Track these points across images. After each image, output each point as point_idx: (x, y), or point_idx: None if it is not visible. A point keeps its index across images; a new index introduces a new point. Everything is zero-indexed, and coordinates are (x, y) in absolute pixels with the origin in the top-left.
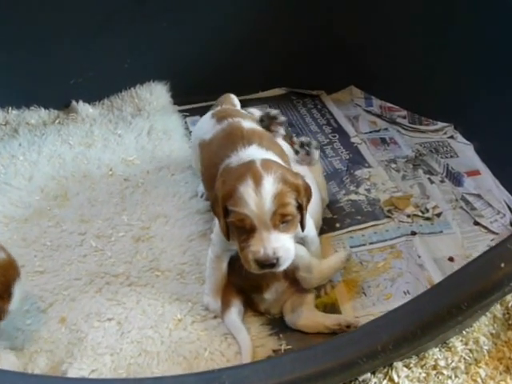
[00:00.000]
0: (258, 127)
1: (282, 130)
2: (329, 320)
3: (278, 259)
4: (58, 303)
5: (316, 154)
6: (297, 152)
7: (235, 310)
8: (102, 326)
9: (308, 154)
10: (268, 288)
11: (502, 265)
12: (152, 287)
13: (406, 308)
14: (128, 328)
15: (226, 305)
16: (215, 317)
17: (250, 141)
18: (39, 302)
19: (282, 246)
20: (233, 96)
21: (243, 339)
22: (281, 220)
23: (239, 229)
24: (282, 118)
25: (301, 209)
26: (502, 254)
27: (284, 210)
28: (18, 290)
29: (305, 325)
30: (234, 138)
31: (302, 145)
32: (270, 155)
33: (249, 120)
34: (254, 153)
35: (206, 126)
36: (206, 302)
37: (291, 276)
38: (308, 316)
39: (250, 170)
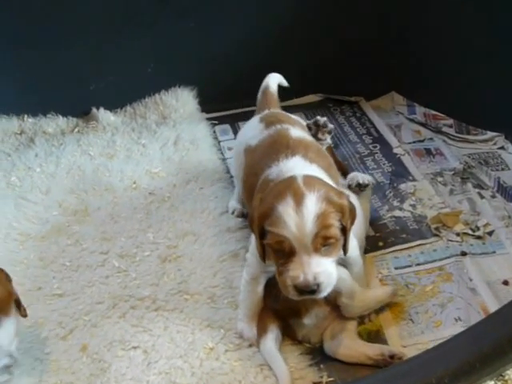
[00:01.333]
0: (308, 136)
1: (328, 139)
2: (371, 350)
3: (318, 285)
4: (78, 329)
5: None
6: None
7: (272, 337)
8: (126, 355)
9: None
10: (307, 313)
11: None
12: (181, 312)
13: (462, 338)
14: (155, 357)
15: (261, 331)
16: (250, 345)
17: (295, 151)
18: (58, 328)
19: (324, 271)
20: (278, 76)
21: (281, 370)
22: (323, 243)
23: (277, 251)
24: (331, 126)
25: (344, 231)
26: None
27: (327, 233)
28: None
29: (345, 354)
30: (278, 147)
31: None
32: (314, 169)
33: (299, 127)
34: (297, 165)
35: (253, 130)
36: (239, 328)
37: (333, 301)
38: (349, 344)
39: (290, 186)
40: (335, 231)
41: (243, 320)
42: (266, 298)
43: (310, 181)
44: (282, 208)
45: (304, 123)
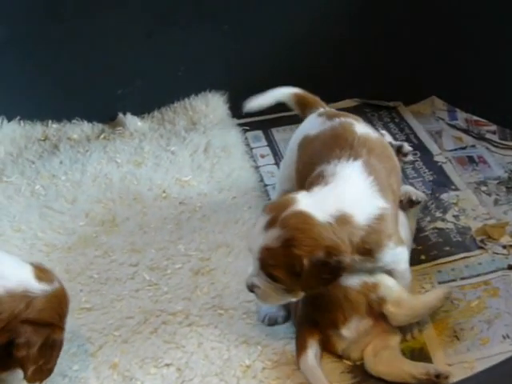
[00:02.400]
0: (372, 133)
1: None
2: (415, 368)
3: (255, 292)
4: (108, 345)
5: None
6: None
7: (312, 353)
8: (159, 372)
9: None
10: (346, 321)
11: None
12: (215, 328)
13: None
14: (189, 375)
15: (301, 348)
16: (287, 363)
17: (358, 155)
18: (87, 343)
19: (262, 290)
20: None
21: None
22: (263, 270)
23: None
24: (410, 158)
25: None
26: None
27: (267, 267)
28: None
29: (388, 372)
30: (342, 142)
31: None
32: (366, 184)
33: (362, 122)
34: (352, 174)
35: (312, 123)
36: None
37: (377, 310)
38: (391, 361)
39: (277, 208)
40: (276, 272)
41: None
42: (305, 308)
43: (293, 219)
44: (259, 217)
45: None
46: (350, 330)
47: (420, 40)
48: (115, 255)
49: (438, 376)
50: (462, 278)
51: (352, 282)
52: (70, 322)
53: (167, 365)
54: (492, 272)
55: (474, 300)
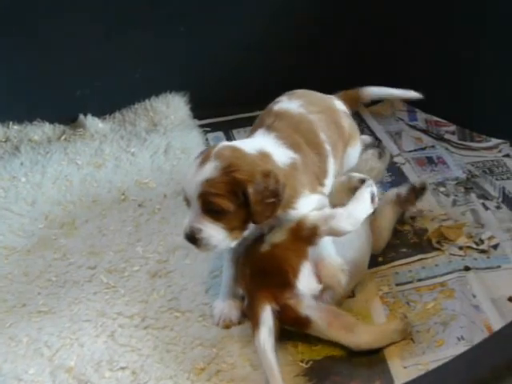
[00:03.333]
0: (294, 108)
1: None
2: (391, 323)
3: (197, 240)
4: (64, 349)
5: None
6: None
7: (265, 331)
8: (114, 376)
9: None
10: (297, 272)
11: None
12: (171, 330)
13: (458, 362)
14: (144, 379)
15: (254, 325)
16: (244, 366)
17: (267, 123)
18: (44, 347)
19: (204, 230)
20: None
21: (271, 369)
22: (207, 207)
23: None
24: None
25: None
26: None
27: (210, 198)
28: None
29: (372, 340)
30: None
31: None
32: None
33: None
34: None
35: None
36: (213, 305)
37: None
38: (371, 330)
39: (210, 149)
40: (220, 201)
41: (219, 297)
42: (253, 280)
43: (225, 150)
44: (191, 163)
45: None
46: (303, 281)
47: (378, 41)
48: (74, 258)
49: (406, 316)
50: (419, 280)
51: (280, 235)
52: (27, 326)
53: (122, 368)
54: (448, 273)
55: (430, 302)
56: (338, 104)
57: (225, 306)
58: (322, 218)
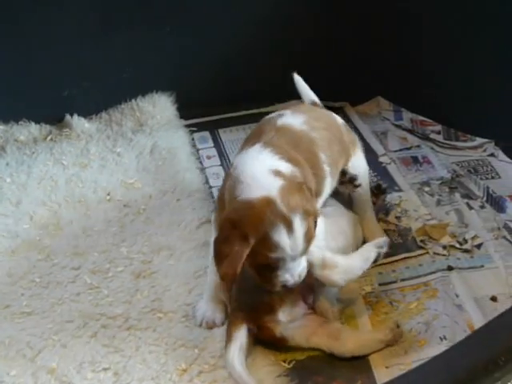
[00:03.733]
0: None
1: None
2: (379, 333)
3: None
4: (47, 350)
5: None
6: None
7: (234, 348)
8: (96, 377)
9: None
10: (283, 304)
11: None
12: (153, 331)
13: (437, 363)
14: (126, 379)
15: (227, 341)
16: (223, 367)
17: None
18: (26, 348)
19: (304, 265)
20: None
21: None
22: (307, 248)
23: (263, 266)
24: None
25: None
26: None
27: (311, 239)
28: None
29: (356, 348)
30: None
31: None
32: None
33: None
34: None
35: None
36: (196, 307)
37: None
38: (356, 338)
39: (273, 212)
40: (314, 233)
41: (203, 299)
42: (239, 298)
43: (289, 199)
44: (277, 236)
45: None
46: (285, 314)
47: (365, 41)
48: (58, 259)
49: (398, 326)
50: (403, 280)
51: None
52: (10, 327)
53: (105, 369)
54: (432, 273)
55: (413, 301)
56: (338, 118)
57: (208, 309)
58: (320, 261)
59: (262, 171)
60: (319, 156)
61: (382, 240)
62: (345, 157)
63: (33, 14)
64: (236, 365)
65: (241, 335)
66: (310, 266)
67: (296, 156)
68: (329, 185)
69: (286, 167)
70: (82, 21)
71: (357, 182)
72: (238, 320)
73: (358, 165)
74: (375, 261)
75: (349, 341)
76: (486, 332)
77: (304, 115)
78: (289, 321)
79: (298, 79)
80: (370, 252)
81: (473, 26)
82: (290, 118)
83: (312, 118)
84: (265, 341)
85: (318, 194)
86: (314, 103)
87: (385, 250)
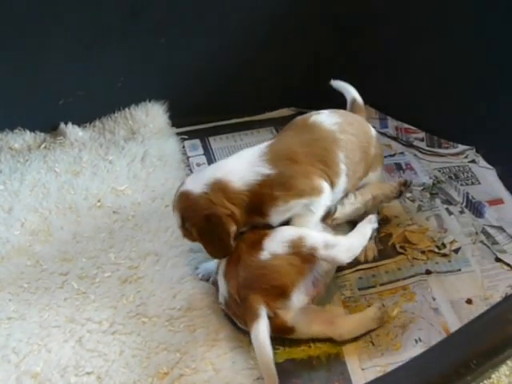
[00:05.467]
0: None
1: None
2: (370, 312)
3: None
4: (32, 355)
5: None
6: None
7: (264, 325)
8: (79, 381)
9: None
10: (294, 288)
11: None
12: (138, 335)
13: (410, 366)
14: (109, 383)
15: (253, 316)
16: (206, 370)
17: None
18: (12, 353)
19: None
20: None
21: (268, 368)
22: None
23: None
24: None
25: None
26: None
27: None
28: None
29: (354, 329)
30: None
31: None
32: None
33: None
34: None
35: None
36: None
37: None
38: (350, 320)
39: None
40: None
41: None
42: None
43: (179, 201)
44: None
45: None
46: (297, 296)
47: (351, 50)
48: (46, 264)
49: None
50: (382, 284)
51: (281, 245)
52: None
53: (88, 373)
54: (410, 277)
55: (391, 306)
56: (373, 131)
57: (212, 264)
58: (322, 242)
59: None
60: (338, 154)
61: (373, 216)
62: (365, 166)
63: (29, 25)
64: (266, 341)
65: (264, 313)
66: (314, 249)
67: (292, 155)
68: (343, 183)
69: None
70: (76, 32)
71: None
72: (256, 300)
73: (372, 180)
74: (370, 237)
75: (344, 324)
76: (458, 336)
77: (340, 118)
78: (300, 307)
79: (337, 84)
80: (365, 228)
81: (453, 38)
82: (325, 117)
83: (346, 122)
84: (273, 331)
85: (332, 185)
86: (354, 100)
87: (376, 225)
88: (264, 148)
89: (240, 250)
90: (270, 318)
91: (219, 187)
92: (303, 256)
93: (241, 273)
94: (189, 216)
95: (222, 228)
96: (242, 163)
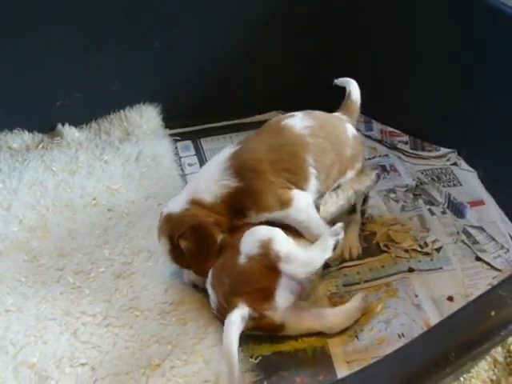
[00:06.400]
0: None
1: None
2: (355, 302)
3: None
4: (29, 346)
5: None
6: None
7: (238, 314)
8: (74, 371)
9: None
10: (277, 288)
11: (493, 313)
12: (130, 328)
13: (391, 359)
14: (102, 374)
15: (230, 304)
16: (195, 362)
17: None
18: (9, 345)
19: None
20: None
21: (231, 362)
22: None
23: None
24: None
25: None
26: (493, 301)
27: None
28: None
29: (343, 319)
30: None
31: None
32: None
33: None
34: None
35: None
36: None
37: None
38: (338, 312)
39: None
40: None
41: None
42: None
43: (163, 224)
44: None
45: None
46: (281, 296)
47: (339, 53)
48: (43, 260)
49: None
50: (366, 281)
51: (253, 246)
52: None
53: (82, 364)
54: (393, 274)
55: (375, 302)
56: (350, 132)
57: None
58: (285, 254)
59: None
60: (306, 159)
61: (338, 226)
62: (340, 167)
63: (26, 27)
64: (234, 351)
65: (244, 311)
66: (277, 257)
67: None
68: (313, 187)
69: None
70: (73, 35)
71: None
72: (239, 302)
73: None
74: (334, 248)
75: (333, 317)
76: (438, 329)
77: (312, 121)
78: (286, 306)
79: (341, 81)
80: (327, 241)
81: (439, 43)
82: (297, 120)
83: (317, 125)
84: (263, 329)
85: (301, 189)
86: (348, 96)
87: (342, 235)
88: (228, 158)
89: (223, 257)
90: (258, 319)
91: (197, 203)
92: (269, 257)
93: (225, 280)
94: (175, 233)
95: (209, 236)
96: (208, 180)
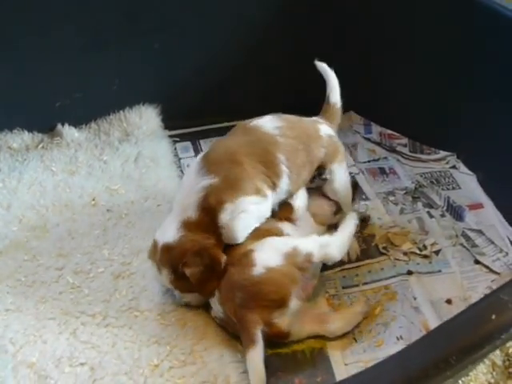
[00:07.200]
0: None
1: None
2: (357, 306)
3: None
4: (28, 346)
5: None
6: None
7: (260, 350)
8: (73, 371)
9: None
10: (291, 296)
11: (493, 317)
12: (129, 328)
13: (392, 361)
14: (101, 374)
15: (249, 341)
16: (194, 363)
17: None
18: (9, 344)
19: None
20: None
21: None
22: None
23: None
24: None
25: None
26: (494, 304)
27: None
28: None
29: (345, 325)
30: None
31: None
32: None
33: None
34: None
35: None
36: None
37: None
38: (341, 316)
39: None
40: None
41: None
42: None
43: (163, 254)
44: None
45: None
46: (294, 303)
47: (338, 56)
48: (43, 259)
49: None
50: (365, 283)
51: (275, 259)
52: None
53: (81, 364)
54: (392, 277)
55: (373, 304)
56: (323, 132)
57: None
58: (317, 245)
59: None
60: (277, 156)
61: (353, 213)
62: (310, 169)
63: (26, 28)
64: (263, 369)
65: (260, 337)
66: (310, 255)
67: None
68: (285, 185)
69: None
70: (73, 35)
71: (323, 176)
72: (253, 322)
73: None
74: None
75: (335, 320)
76: (438, 333)
77: (281, 122)
78: (293, 313)
79: (322, 68)
80: (349, 224)
81: (437, 47)
82: (266, 121)
83: (287, 126)
84: (271, 338)
85: (274, 186)
86: (327, 98)
87: (357, 220)
88: (200, 161)
89: (229, 273)
90: (266, 330)
91: (187, 225)
92: (298, 265)
93: (237, 293)
94: (178, 263)
95: (213, 259)
96: (188, 192)
